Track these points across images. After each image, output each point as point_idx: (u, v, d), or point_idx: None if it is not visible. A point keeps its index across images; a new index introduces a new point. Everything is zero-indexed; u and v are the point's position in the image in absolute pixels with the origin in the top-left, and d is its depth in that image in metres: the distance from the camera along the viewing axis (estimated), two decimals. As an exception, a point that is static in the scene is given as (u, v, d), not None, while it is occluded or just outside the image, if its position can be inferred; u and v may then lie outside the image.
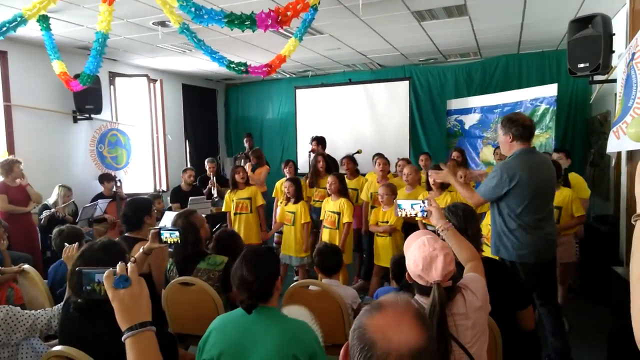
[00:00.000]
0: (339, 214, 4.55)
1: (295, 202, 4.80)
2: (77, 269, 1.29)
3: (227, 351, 1.71)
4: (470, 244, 1.99)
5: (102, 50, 4.32)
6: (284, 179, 5.40)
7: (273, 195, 5.63)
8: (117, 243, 2.11)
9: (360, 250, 5.29)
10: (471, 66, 7.53)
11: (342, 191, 4.64)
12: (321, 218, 4.78)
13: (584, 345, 3.53)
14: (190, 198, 5.81)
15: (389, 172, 5.33)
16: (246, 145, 7.79)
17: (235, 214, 5.00)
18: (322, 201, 4.96)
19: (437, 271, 1.55)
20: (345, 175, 5.38)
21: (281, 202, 5.18)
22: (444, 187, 4.31)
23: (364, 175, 5.61)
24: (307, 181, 5.63)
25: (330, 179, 4.66)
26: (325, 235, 4.62)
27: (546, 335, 3.06)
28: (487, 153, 6.61)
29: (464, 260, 1.86)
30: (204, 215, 3.23)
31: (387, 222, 4.39)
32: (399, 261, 2.98)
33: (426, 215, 2.22)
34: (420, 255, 1.59)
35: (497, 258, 3.04)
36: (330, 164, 5.77)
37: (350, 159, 5.52)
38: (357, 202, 5.20)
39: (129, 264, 1.21)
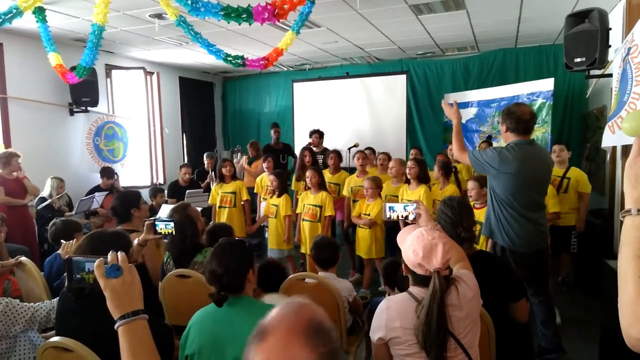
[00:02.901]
0: (320, 207, 4.61)
1: (279, 196, 4.84)
2: (67, 257, 1.29)
3: (207, 344, 1.73)
4: (459, 246, 2.02)
5: (98, 43, 4.31)
6: (264, 174, 5.45)
7: (255, 191, 5.63)
8: (126, 234, 2.12)
9: (350, 243, 5.33)
10: (468, 60, 7.53)
11: (322, 184, 4.71)
12: (298, 211, 4.82)
13: (577, 337, 3.57)
14: (187, 191, 5.83)
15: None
16: (273, 136, 7.34)
17: (219, 207, 5.07)
18: None
19: (437, 259, 1.59)
20: (329, 170, 5.48)
21: (264, 197, 5.24)
22: (420, 180, 4.44)
23: (346, 170, 5.69)
24: (295, 175, 5.67)
25: (309, 173, 4.70)
26: (305, 228, 4.67)
27: (537, 324, 3.10)
28: (484, 147, 6.63)
29: (453, 261, 1.88)
30: (199, 209, 3.24)
31: (368, 214, 4.46)
32: (390, 265, 3.03)
33: (415, 218, 2.27)
34: (420, 244, 1.62)
35: (489, 251, 3.07)
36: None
37: (337, 154, 5.56)
38: (339, 195, 5.31)
39: (119, 253, 1.22)
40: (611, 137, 3.68)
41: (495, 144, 5.83)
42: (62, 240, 2.90)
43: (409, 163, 4.53)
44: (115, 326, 1.16)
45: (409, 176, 4.47)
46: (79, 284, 1.27)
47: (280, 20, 3.91)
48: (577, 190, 4.52)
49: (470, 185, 3.88)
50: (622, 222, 1.02)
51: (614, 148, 4.52)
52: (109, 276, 1.18)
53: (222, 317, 1.77)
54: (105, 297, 1.18)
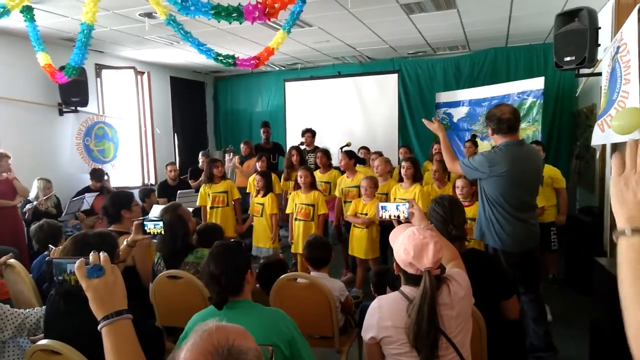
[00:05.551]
0: (313, 205, 4.60)
1: (264, 195, 4.82)
2: (47, 259, 1.28)
3: None
4: (452, 244, 2.02)
5: (87, 42, 4.26)
6: (255, 174, 5.43)
7: (247, 190, 5.61)
8: (112, 234, 2.10)
9: (343, 243, 5.33)
10: (460, 59, 7.56)
11: (313, 184, 4.72)
12: (288, 211, 4.81)
13: (567, 334, 3.60)
14: (178, 192, 5.80)
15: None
16: (263, 135, 7.23)
17: (211, 207, 5.01)
18: None
19: (428, 258, 1.59)
20: (319, 169, 5.48)
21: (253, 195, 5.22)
22: (415, 179, 4.44)
23: (337, 168, 5.66)
24: (283, 175, 5.66)
25: (301, 172, 4.69)
26: (298, 228, 4.65)
27: (528, 322, 3.11)
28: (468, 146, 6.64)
29: (446, 260, 1.89)
30: (191, 209, 3.22)
31: (366, 214, 4.45)
32: (378, 272, 3.03)
33: (408, 217, 2.27)
34: (411, 243, 1.62)
35: (481, 248, 3.08)
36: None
37: (324, 152, 5.55)
38: (330, 195, 5.30)
39: (101, 253, 1.20)
40: (601, 135, 3.70)
41: (486, 143, 5.86)
42: (50, 245, 2.87)
43: (405, 164, 4.50)
44: (99, 327, 1.14)
45: (404, 176, 4.46)
46: (60, 286, 1.25)
47: (271, 20, 3.89)
48: (552, 187, 4.55)
49: (460, 183, 3.91)
50: (612, 218, 0.98)
51: (604, 146, 4.55)
52: (91, 277, 1.16)
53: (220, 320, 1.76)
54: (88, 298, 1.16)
